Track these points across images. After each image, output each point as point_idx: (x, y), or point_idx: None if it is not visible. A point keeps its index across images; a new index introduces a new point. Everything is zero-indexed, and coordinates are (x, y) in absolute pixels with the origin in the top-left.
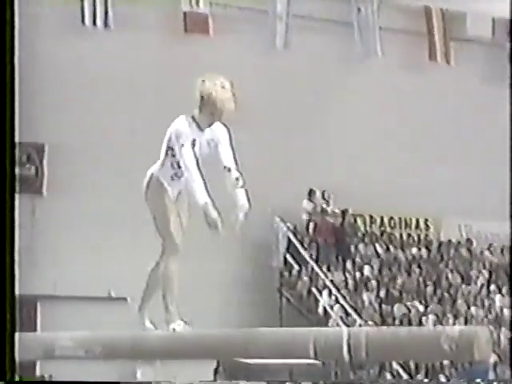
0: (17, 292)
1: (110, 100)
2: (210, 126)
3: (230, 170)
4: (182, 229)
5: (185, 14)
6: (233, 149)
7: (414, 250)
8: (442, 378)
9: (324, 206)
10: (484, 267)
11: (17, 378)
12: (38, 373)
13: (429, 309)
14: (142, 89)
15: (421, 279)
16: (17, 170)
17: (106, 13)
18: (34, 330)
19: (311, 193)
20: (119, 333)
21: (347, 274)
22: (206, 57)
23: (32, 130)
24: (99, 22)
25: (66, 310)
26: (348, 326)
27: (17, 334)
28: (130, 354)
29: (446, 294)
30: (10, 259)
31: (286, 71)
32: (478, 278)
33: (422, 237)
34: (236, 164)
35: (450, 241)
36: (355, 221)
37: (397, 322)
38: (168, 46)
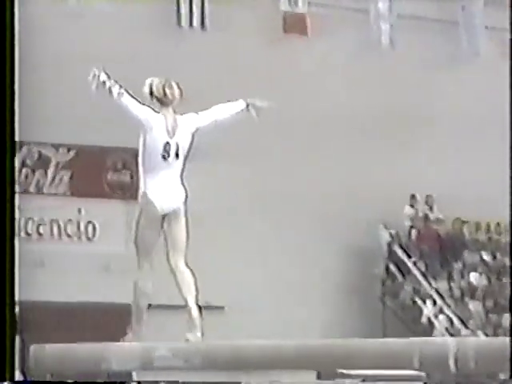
0: (112, 300)
1: (207, 102)
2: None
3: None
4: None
5: (284, 13)
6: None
7: None
8: None
9: (427, 212)
10: None
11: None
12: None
13: None
14: (240, 89)
15: None
16: (112, 176)
17: (203, 14)
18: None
19: (413, 198)
20: (219, 342)
21: (452, 283)
22: (305, 57)
23: (128, 136)
24: (196, 23)
25: (162, 319)
26: (453, 336)
27: (111, 344)
28: (229, 364)
29: None
30: (10, 261)
31: (390, 71)
32: None
33: None
34: None
35: None
36: (460, 227)
37: (504, 331)
38: (266, 46)
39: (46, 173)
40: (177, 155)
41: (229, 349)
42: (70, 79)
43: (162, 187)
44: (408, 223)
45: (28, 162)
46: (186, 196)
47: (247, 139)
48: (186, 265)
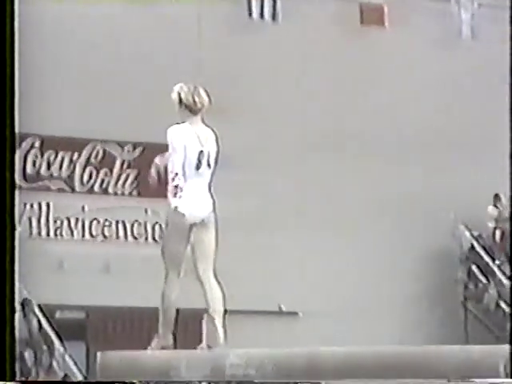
0: (179, 306)
1: (279, 96)
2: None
3: None
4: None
5: (361, 4)
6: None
7: None
8: None
9: None
10: None
11: None
12: None
13: None
14: (314, 84)
15: None
16: None
17: (275, 5)
18: None
19: (497, 198)
20: (293, 349)
21: None
22: (382, 49)
23: None
24: (267, 14)
25: (233, 325)
26: None
27: (180, 351)
28: (304, 372)
29: None
30: (10, 261)
31: (471, 63)
32: None
33: None
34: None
35: None
36: None
37: None
38: (342, 38)
39: (111, 172)
40: (208, 165)
41: (304, 356)
42: (140, 80)
43: (191, 197)
44: (492, 224)
45: (92, 160)
46: (214, 204)
47: (322, 136)
48: (215, 276)
